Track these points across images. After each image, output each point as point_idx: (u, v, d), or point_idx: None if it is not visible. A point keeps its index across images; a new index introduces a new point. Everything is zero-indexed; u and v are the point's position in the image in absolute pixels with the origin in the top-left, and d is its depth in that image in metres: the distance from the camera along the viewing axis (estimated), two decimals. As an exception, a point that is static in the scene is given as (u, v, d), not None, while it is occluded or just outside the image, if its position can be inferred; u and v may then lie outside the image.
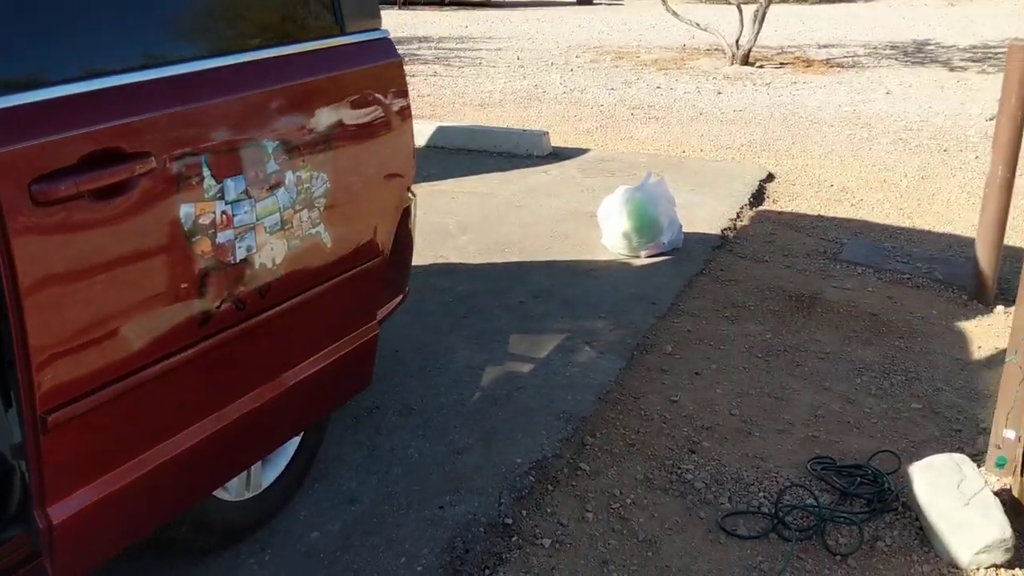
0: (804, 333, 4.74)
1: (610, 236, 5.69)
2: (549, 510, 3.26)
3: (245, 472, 2.83)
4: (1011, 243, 6.09)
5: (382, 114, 2.82)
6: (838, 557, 3.09)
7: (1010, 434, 3.30)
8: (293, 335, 2.59)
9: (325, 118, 2.56)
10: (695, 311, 4.97)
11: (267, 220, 2.37)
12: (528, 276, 5.31)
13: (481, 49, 16.54)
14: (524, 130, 8.56)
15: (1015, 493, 3.24)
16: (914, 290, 5.38)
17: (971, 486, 3.16)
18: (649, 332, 4.66)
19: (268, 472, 3.03)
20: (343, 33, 2.73)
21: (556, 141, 8.80)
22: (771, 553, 3.10)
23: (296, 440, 3.09)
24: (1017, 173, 5.08)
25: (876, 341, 4.69)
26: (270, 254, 2.40)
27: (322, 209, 2.57)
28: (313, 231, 2.55)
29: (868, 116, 10.48)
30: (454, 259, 5.58)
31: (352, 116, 2.67)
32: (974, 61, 15.28)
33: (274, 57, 2.45)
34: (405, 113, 2.92)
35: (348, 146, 2.66)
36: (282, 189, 2.42)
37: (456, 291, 5.07)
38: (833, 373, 4.34)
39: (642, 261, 5.61)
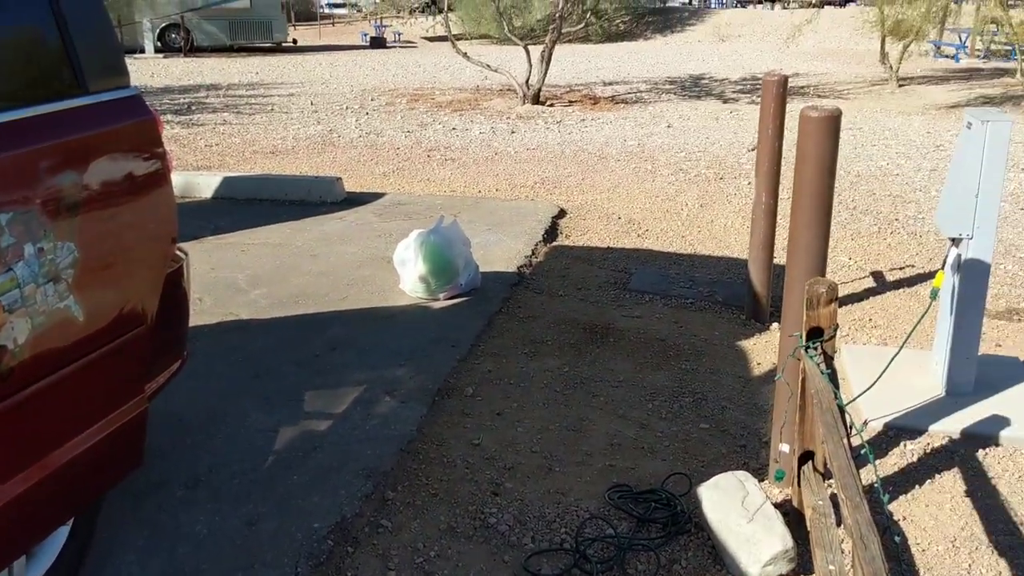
0: (599, 364, 4.84)
1: (408, 281, 5.64)
2: (349, 574, 3.13)
3: (4, 571, 2.56)
4: (781, 262, 6.47)
5: (134, 175, 2.65)
6: (638, 586, 3.13)
7: (784, 448, 3.46)
8: (46, 418, 2.38)
9: (67, 184, 2.38)
10: (495, 350, 4.97)
11: (4, 298, 2.16)
12: (324, 327, 5.17)
13: (273, 95, 16.22)
14: (317, 177, 8.41)
15: (794, 503, 3.40)
16: (698, 313, 5.61)
17: (754, 501, 3.28)
18: (450, 375, 4.62)
19: (34, 568, 2.76)
20: (85, 93, 2.55)
21: (351, 186, 8.70)
22: (574, 590, 3.10)
23: (65, 529, 2.83)
24: (781, 197, 5.41)
25: (666, 366, 4.84)
26: (10, 334, 2.19)
27: (71, 281, 2.38)
28: (62, 305, 2.35)
29: (651, 149, 10.96)
30: (245, 315, 5.36)
31: (99, 179, 2.50)
32: (744, 93, 16.34)
33: (5, 123, 2.25)
34: (161, 171, 2.76)
35: (97, 211, 2.48)
36: (21, 263, 2.21)
37: (247, 349, 4.86)
38: (628, 400, 4.44)
39: (441, 304, 5.58)
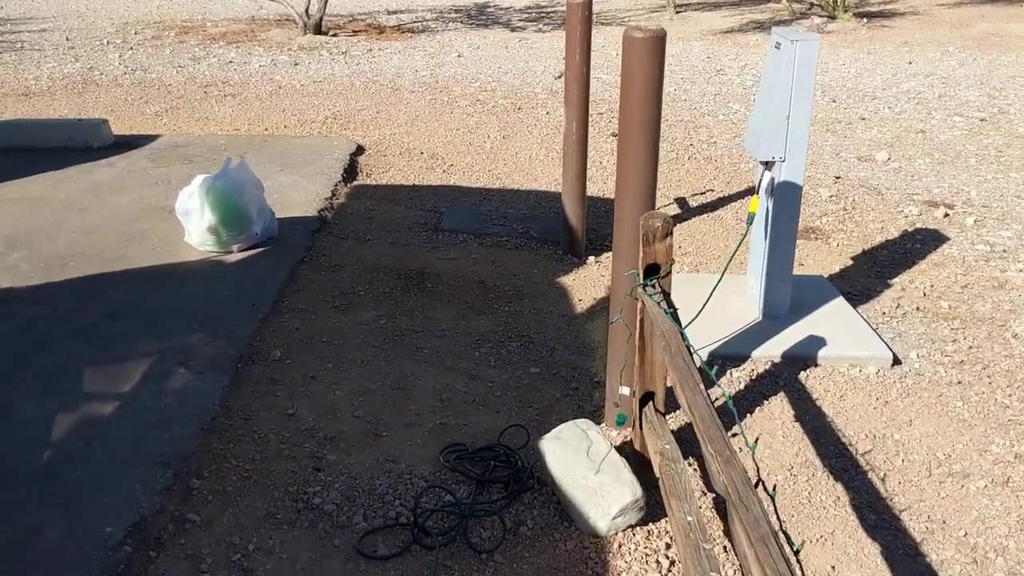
0: (419, 313, 4.53)
1: (195, 233, 5.07)
2: (156, 581, 2.71)
3: None
4: (592, 194, 6.37)
5: None
6: (484, 555, 2.90)
7: (625, 390, 3.31)
8: None
9: None
10: (302, 305, 4.56)
11: None
12: (101, 292, 4.56)
13: (22, 31, 14.54)
14: (79, 119, 7.50)
15: (636, 446, 3.26)
16: (515, 251, 5.40)
17: (598, 451, 3.11)
18: (253, 338, 4.18)
19: None
20: None
21: (120, 129, 7.85)
22: (417, 568, 2.83)
23: None
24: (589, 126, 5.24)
25: (488, 310, 4.60)
26: None
27: None
28: None
29: (445, 79, 10.59)
30: (4, 283, 4.65)
31: None
32: (530, 21, 16.18)
33: None
34: None
35: None
36: None
37: (10, 323, 4.21)
38: (453, 350, 4.17)
39: (236, 256, 5.07)
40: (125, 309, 4.38)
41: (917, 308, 4.77)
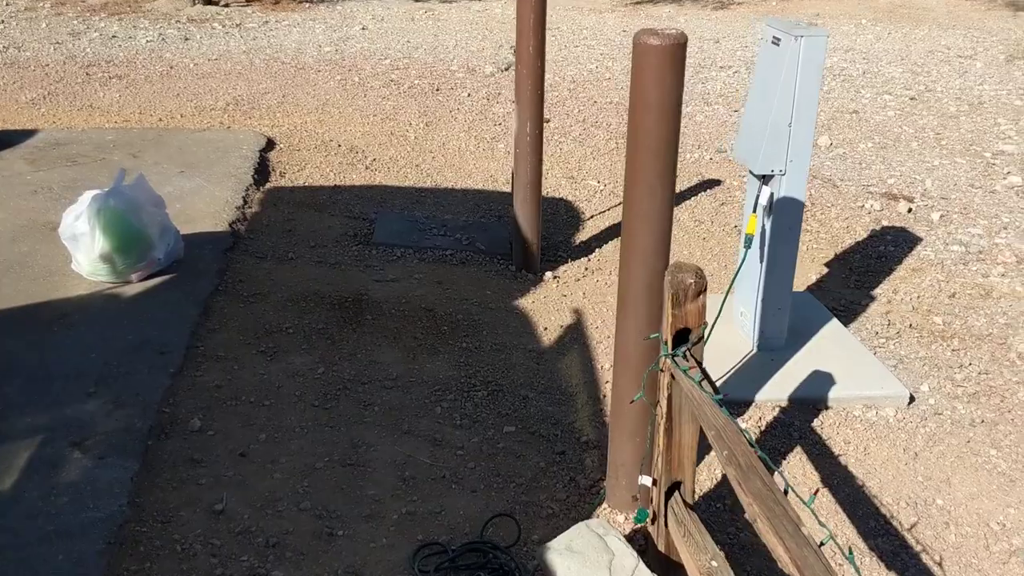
0: (361, 355, 3.81)
1: (84, 261, 4.21)
2: None
3: None
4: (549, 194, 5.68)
5: None
6: None
7: (646, 480, 2.68)
8: None
9: None
10: (221, 351, 3.78)
11: None
12: (-30, 344, 3.69)
13: None
14: (-62, 114, 6.42)
15: (661, 547, 2.64)
16: (461, 268, 4.70)
17: (623, 564, 2.48)
18: (165, 401, 3.40)
19: None
20: None
21: (-11, 122, 6.78)
22: None
23: None
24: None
25: (443, 347, 3.91)
26: None
27: None
28: None
29: (352, 56, 9.71)
30: None
31: None
32: (437, -11, 15.23)
33: None
34: None
35: None
36: None
37: None
38: (409, 406, 3.47)
39: (135, 288, 4.23)
40: None
41: (910, 325, 4.29)
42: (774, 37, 3.54)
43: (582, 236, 5.24)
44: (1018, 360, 3.99)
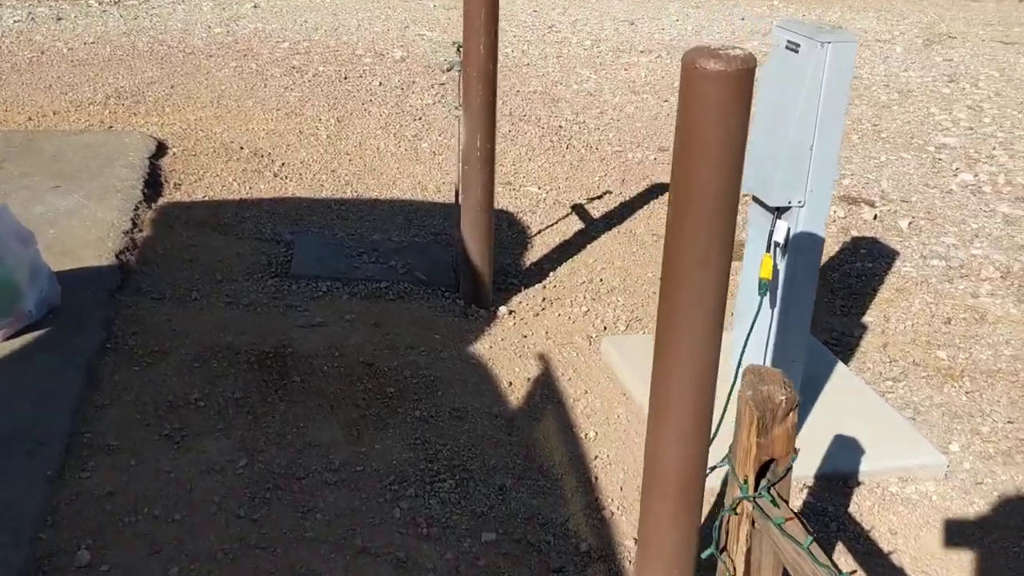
0: (292, 435, 3.03)
1: (-70, 317, 3.28)
2: None
3: None
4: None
5: None
6: None
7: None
8: None
9: None
10: (113, 439, 2.94)
11: None
12: None
13: None
14: None
15: None
16: (400, 304, 3.95)
17: None
18: (42, 522, 2.56)
19: None
20: None
21: None
22: None
23: None
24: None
25: (392, 417, 3.17)
26: None
27: None
28: None
29: (246, 38, 8.71)
30: None
31: None
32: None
33: None
34: None
35: None
36: None
37: None
38: (360, 509, 2.73)
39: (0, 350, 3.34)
40: None
41: (914, 362, 3.77)
42: (790, 42, 2.90)
43: (531, 256, 4.55)
44: (1038, 402, 3.51)
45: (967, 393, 3.57)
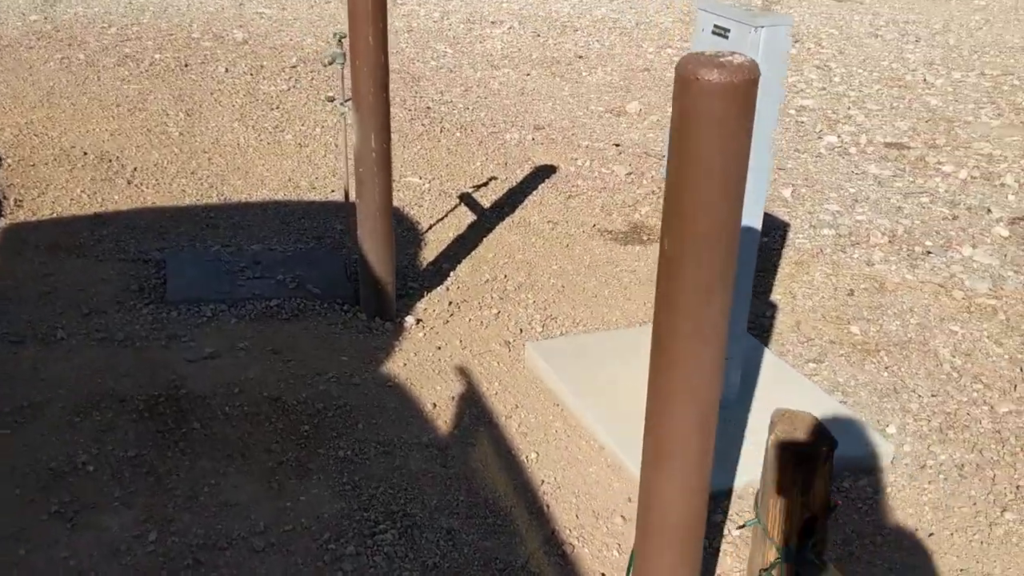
0: (204, 495, 2.65)
1: None
2: None
3: None
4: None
5: None
6: None
7: None
8: None
9: None
10: (-14, 524, 2.48)
11: None
12: None
13: None
14: None
15: None
16: (296, 324, 3.58)
17: None
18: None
19: None
20: None
21: None
22: None
23: None
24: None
25: (313, 461, 2.83)
26: None
27: None
28: None
29: (68, 26, 7.88)
30: None
31: None
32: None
33: None
34: None
35: None
36: None
37: None
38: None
39: None
40: None
41: (830, 340, 3.73)
42: (717, 27, 2.71)
43: (427, 255, 4.25)
44: (952, 371, 3.53)
45: (887, 368, 3.55)
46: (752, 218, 2.84)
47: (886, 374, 3.51)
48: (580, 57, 8.02)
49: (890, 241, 4.63)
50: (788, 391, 3.21)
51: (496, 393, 3.25)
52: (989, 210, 5.06)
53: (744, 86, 1.58)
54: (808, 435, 1.59)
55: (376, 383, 3.24)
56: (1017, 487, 2.89)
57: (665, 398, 1.79)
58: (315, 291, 3.75)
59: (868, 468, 2.91)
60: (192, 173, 4.96)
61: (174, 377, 3.15)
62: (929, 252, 4.51)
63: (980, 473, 2.96)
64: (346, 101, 3.48)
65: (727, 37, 2.69)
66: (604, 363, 3.29)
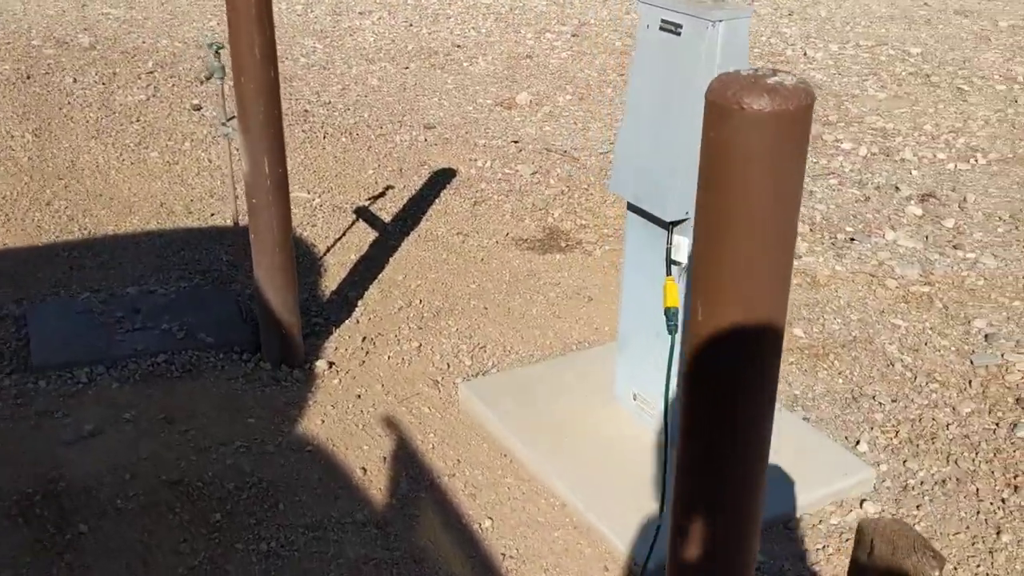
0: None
1: None
2: None
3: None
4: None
5: None
6: None
7: None
8: None
9: None
10: None
11: None
12: None
13: None
14: None
15: None
16: (190, 382, 3.06)
17: None
18: None
19: None
20: None
21: None
22: None
23: None
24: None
25: (231, 561, 2.36)
26: None
27: None
28: None
29: None
30: None
31: None
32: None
33: None
34: None
35: None
36: None
37: None
38: None
39: None
40: None
41: (777, 347, 3.45)
42: (667, 23, 2.36)
43: (329, 283, 3.77)
44: (905, 371, 3.34)
45: (840, 374, 3.31)
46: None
47: (841, 380, 3.28)
48: (458, 46, 7.59)
49: (811, 229, 4.43)
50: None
51: (433, 447, 2.83)
52: (897, 188, 4.94)
53: (800, 114, 1.22)
54: (916, 555, 1.25)
55: (293, 449, 2.76)
56: (1003, 500, 2.68)
57: (699, 503, 1.43)
58: (208, 340, 3.22)
59: (850, 498, 2.64)
60: (47, 204, 4.31)
61: (51, 467, 2.60)
62: (853, 239, 4.32)
63: (963, 488, 2.74)
64: (229, 120, 2.96)
65: (679, 34, 2.34)
66: (550, 400, 2.92)
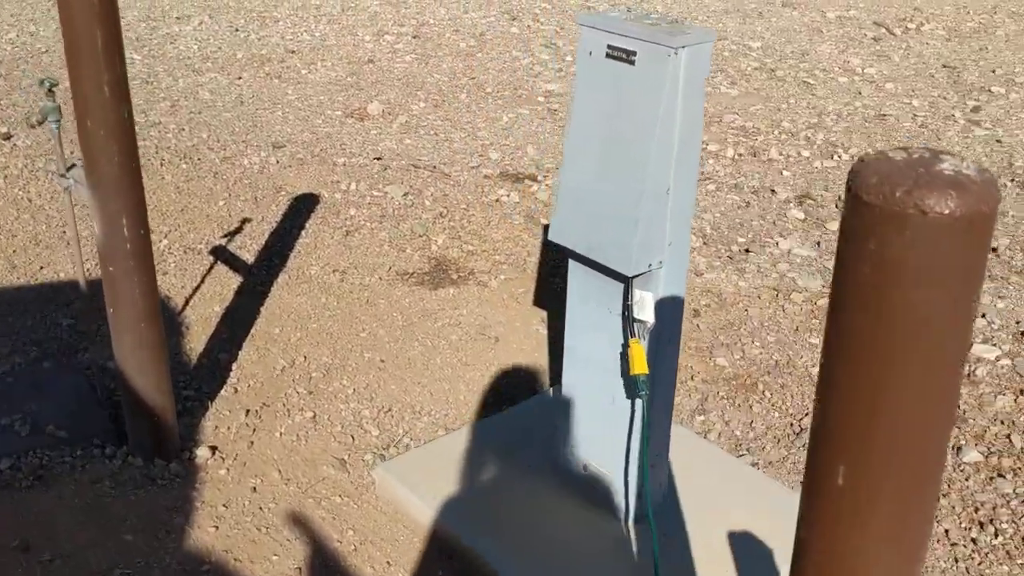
0: None
1: None
2: None
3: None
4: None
5: None
6: None
7: None
8: None
9: None
10: None
11: None
12: None
13: None
14: None
15: None
16: (44, 492, 2.47)
17: None
18: None
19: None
20: None
21: None
22: None
23: None
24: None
25: None
26: None
27: None
28: None
29: None
30: None
31: None
32: None
33: None
34: None
35: None
36: None
37: None
38: None
39: None
40: None
41: (703, 380, 3.24)
42: (614, 48, 2.01)
43: (194, 343, 3.23)
44: (833, 395, 3.15)
45: (775, 408, 3.11)
46: (677, 285, 2.20)
47: (777, 415, 3.07)
48: (292, 52, 7.01)
49: (705, 242, 4.25)
50: (711, 471, 2.63)
51: (355, 548, 2.38)
52: (773, 191, 4.84)
53: (990, 217, 0.89)
54: None
55: (185, 569, 2.24)
56: (973, 540, 2.53)
57: None
58: (60, 434, 2.62)
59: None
60: None
61: None
62: (748, 250, 4.16)
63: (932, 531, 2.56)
64: (70, 169, 2.38)
65: (632, 62, 1.99)
66: (490, 481, 2.53)
